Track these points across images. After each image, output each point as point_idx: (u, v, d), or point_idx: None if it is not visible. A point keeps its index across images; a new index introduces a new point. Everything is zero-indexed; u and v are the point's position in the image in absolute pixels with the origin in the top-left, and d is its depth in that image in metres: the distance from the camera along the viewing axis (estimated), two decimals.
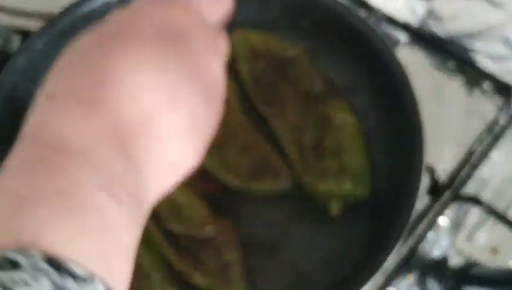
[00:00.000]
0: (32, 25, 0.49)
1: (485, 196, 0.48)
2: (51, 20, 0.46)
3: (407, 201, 0.41)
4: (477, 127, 0.51)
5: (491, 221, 0.47)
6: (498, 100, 0.52)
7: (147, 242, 0.42)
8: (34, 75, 0.45)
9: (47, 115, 0.21)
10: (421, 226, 0.46)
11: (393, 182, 0.44)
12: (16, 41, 0.49)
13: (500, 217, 0.47)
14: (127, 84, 0.22)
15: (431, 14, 0.54)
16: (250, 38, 0.48)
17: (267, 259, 0.43)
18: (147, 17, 0.25)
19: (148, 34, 0.24)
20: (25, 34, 0.49)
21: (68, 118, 0.21)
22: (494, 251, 0.47)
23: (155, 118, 0.22)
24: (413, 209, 0.40)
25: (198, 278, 0.41)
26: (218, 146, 0.44)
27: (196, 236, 0.43)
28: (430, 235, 0.46)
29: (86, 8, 0.46)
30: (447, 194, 0.47)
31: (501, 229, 0.47)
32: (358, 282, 0.39)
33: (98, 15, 0.47)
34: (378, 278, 0.44)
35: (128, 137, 0.21)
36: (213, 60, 0.26)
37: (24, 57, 0.45)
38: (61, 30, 0.46)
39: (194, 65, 0.24)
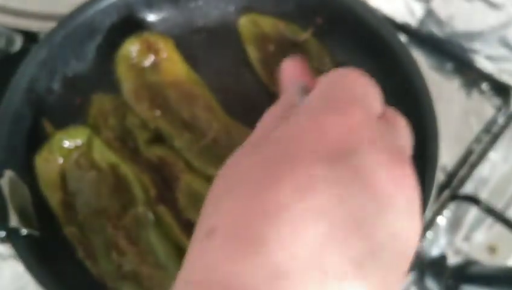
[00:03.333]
0: (35, 25, 0.50)
1: (484, 195, 0.48)
2: (71, 14, 0.46)
3: (422, 201, 0.41)
4: (475, 127, 0.51)
5: (489, 220, 0.47)
6: (496, 101, 0.52)
7: (164, 232, 0.42)
8: (53, 67, 0.46)
9: (208, 257, 0.20)
10: None
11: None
12: (18, 42, 0.49)
13: (499, 216, 0.47)
14: (289, 218, 0.19)
15: (430, 14, 0.55)
16: (258, 22, 0.49)
17: None
18: (317, 131, 0.21)
19: (321, 154, 0.20)
20: (27, 35, 0.50)
21: (228, 262, 0.19)
22: (492, 249, 0.47)
23: (322, 258, 0.19)
24: (427, 209, 0.40)
25: None
26: None
27: None
28: (429, 234, 0.47)
29: (105, 2, 0.47)
30: (445, 194, 0.48)
31: (499, 228, 0.47)
32: None
33: (121, 6, 0.47)
34: None
35: (288, 282, 0.18)
36: (401, 180, 0.21)
37: (44, 50, 0.45)
38: (81, 23, 0.46)
39: (376, 193, 0.20)
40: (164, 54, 0.47)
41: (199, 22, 0.51)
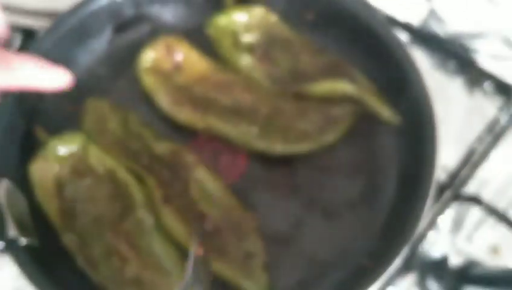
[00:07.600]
0: (34, 23, 0.50)
1: (486, 195, 0.48)
2: (59, 19, 0.46)
3: (422, 190, 0.41)
4: (477, 127, 0.51)
5: (492, 221, 0.47)
6: (499, 100, 0.52)
7: (165, 235, 0.42)
8: None
9: None
10: (421, 226, 0.46)
11: (407, 171, 0.44)
12: (16, 40, 0.49)
13: (501, 217, 0.46)
14: None
15: (432, 14, 0.54)
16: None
17: (283, 250, 0.43)
18: None
19: None
20: (26, 33, 0.49)
21: None
22: (494, 250, 0.46)
23: None
24: (428, 198, 0.41)
25: (220, 268, 0.41)
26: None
27: (220, 225, 0.43)
28: (431, 234, 0.46)
29: (94, 6, 0.46)
30: (447, 194, 0.47)
31: (501, 229, 0.46)
32: (375, 271, 0.39)
33: (106, 13, 0.47)
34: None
35: None
36: None
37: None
38: (69, 29, 0.46)
39: None
40: (182, 54, 0.47)
41: (189, 23, 0.50)
